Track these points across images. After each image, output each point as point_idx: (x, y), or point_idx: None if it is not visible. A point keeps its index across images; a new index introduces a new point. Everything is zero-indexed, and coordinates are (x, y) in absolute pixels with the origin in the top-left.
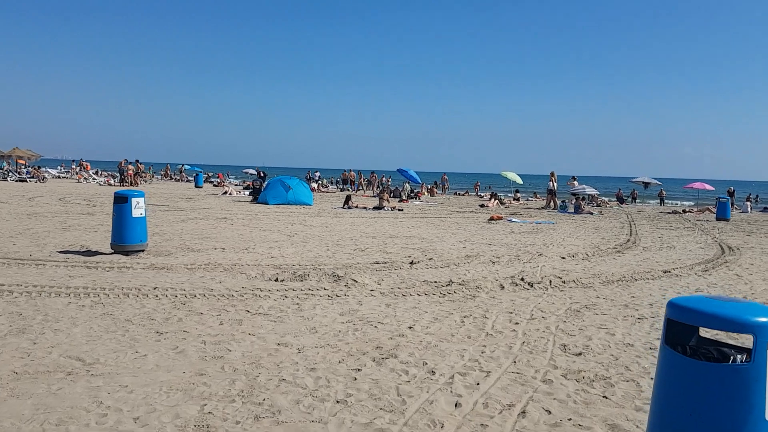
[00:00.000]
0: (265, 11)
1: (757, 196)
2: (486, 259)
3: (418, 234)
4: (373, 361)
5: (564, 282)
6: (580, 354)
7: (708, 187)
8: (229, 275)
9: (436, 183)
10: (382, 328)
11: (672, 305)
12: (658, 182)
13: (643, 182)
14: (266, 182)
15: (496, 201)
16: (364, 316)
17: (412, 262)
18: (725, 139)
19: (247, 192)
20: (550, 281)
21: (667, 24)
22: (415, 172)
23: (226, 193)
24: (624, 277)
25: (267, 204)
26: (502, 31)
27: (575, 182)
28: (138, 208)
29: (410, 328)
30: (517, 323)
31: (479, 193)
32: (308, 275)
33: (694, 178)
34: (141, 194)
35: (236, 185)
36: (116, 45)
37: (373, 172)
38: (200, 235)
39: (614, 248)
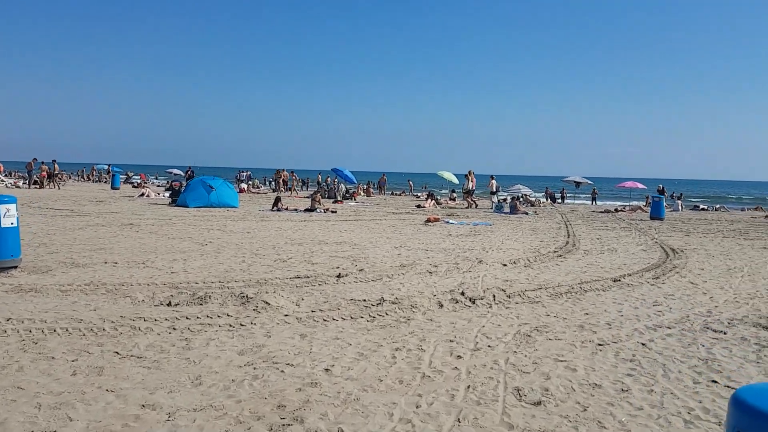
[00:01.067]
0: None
1: (681, 194)
2: (423, 269)
3: (350, 239)
4: (270, 431)
5: (509, 296)
6: (539, 403)
7: (639, 185)
8: (110, 299)
9: (370, 183)
10: (290, 373)
11: (743, 407)
12: (590, 181)
13: (575, 181)
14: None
15: (433, 201)
16: (270, 355)
17: (339, 275)
18: (647, 138)
19: (168, 194)
20: (494, 296)
21: (586, 23)
22: (351, 171)
23: (143, 195)
24: (572, 288)
25: (187, 207)
26: (432, 29)
27: (493, 181)
28: (8, 216)
29: (327, 370)
30: (459, 356)
31: (416, 194)
32: (210, 297)
33: (621, 177)
34: (12, 200)
35: (159, 186)
36: (41, 40)
37: (292, 171)
38: (94, 246)
39: (555, 252)
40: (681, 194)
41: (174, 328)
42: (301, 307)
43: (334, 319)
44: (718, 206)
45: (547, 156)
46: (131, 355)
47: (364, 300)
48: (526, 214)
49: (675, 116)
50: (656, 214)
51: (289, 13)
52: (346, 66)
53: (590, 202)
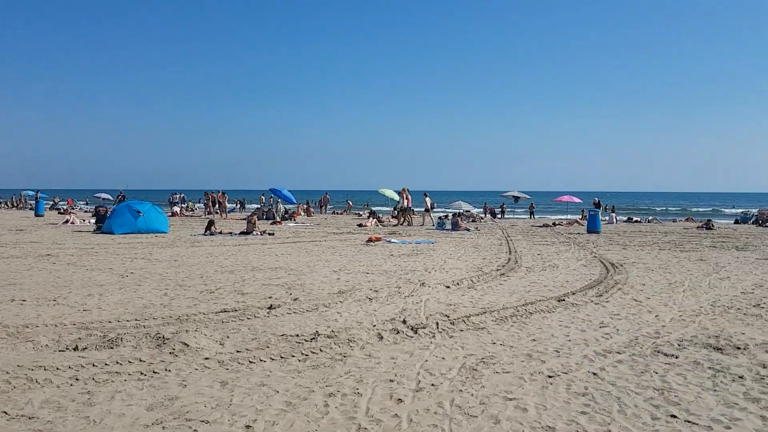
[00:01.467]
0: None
1: (613, 207)
2: (362, 295)
3: (286, 264)
4: None
5: (452, 323)
6: None
7: (576, 199)
8: (9, 345)
9: (309, 202)
10: None
11: None
12: (527, 196)
13: (514, 196)
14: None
15: (375, 220)
16: (183, 410)
17: (271, 307)
18: (580, 152)
19: (93, 220)
20: (437, 323)
21: (516, 36)
22: (289, 191)
23: (68, 222)
24: (517, 310)
25: (112, 234)
26: (375, 43)
27: (427, 198)
28: None
29: (249, 427)
30: (400, 400)
31: (357, 212)
32: (122, 339)
33: (556, 191)
34: None
35: (87, 212)
36: None
37: (222, 192)
38: (3, 281)
39: (498, 270)
40: (614, 207)
41: (76, 379)
42: (225, 346)
43: (261, 360)
44: (650, 218)
45: (485, 171)
46: (21, 416)
47: (297, 335)
48: (468, 230)
49: (605, 130)
50: (593, 228)
51: (222, 25)
52: (286, 81)
53: (529, 216)
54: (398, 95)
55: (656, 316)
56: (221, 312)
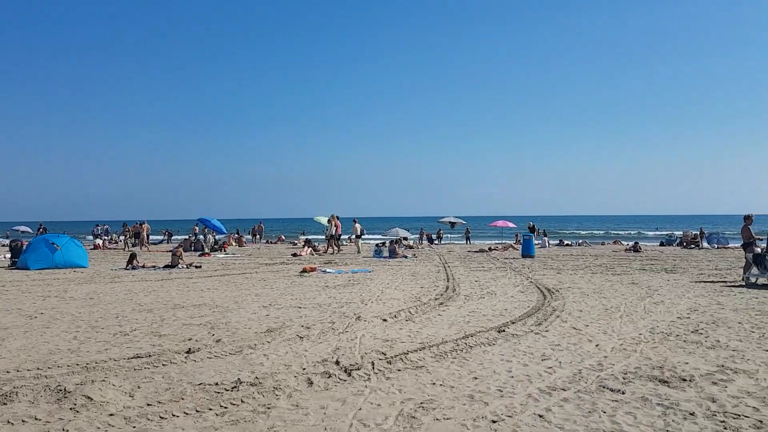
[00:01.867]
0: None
1: (545, 231)
2: (293, 333)
3: (211, 300)
4: None
5: (389, 361)
6: None
7: (510, 224)
8: None
9: (238, 231)
10: None
11: None
12: (463, 221)
13: (450, 222)
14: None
15: (310, 249)
16: None
17: (190, 350)
18: (509, 178)
19: (9, 255)
20: (373, 363)
21: (448, 64)
22: (219, 221)
23: None
24: (457, 344)
25: (27, 269)
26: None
27: (357, 225)
28: None
29: None
30: None
31: (293, 241)
32: (18, 393)
33: (490, 216)
34: None
35: (3, 245)
36: None
37: (142, 222)
38: None
39: (436, 299)
40: (545, 231)
41: None
42: (135, 398)
43: (173, 416)
44: (581, 241)
45: (420, 197)
46: None
47: (216, 384)
48: (405, 257)
49: (533, 155)
50: (527, 252)
51: (154, 57)
52: (224, 111)
53: (465, 242)
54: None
55: (597, 345)
56: (134, 358)
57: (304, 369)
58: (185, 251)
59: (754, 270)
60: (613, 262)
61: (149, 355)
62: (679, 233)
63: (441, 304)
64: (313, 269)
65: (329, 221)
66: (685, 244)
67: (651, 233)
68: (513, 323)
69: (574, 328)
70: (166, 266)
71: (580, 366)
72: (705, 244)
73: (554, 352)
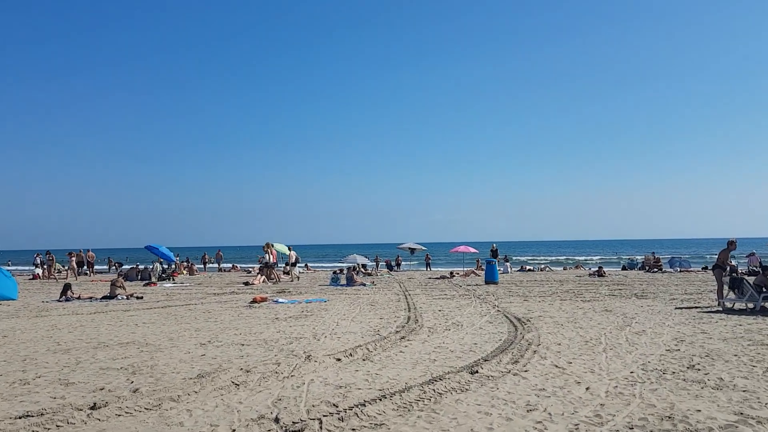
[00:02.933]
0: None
1: (506, 256)
2: (228, 379)
3: (143, 337)
4: None
5: (342, 418)
6: None
7: (471, 249)
8: None
9: (188, 259)
10: None
11: None
12: (423, 247)
13: (410, 248)
14: None
15: (263, 277)
16: None
17: (95, 406)
18: (467, 204)
19: None
20: (321, 421)
21: (397, 92)
22: (168, 248)
23: None
24: (424, 391)
25: None
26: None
27: (292, 253)
28: None
29: None
30: None
31: (247, 268)
32: None
33: (451, 242)
34: None
35: None
36: None
37: (88, 250)
38: None
39: (397, 332)
40: (506, 256)
41: None
42: None
43: None
44: (543, 267)
45: (379, 224)
46: None
47: None
48: (364, 285)
49: (492, 182)
50: (490, 278)
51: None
52: (180, 137)
53: (425, 268)
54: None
55: (588, 389)
56: (21, 417)
57: (234, 431)
58: (131, 281)
59: (731, 295)
60: (579, 287)
61: (42, 414)
62: (640, 257)
63: (403, 338)
64: (264, 299)
65: (264, 249)
66: (647, 268)
67: (607, 258)
68: (486, 361)
69: (557, 366)
70: (104, 297)
71: (576, 419)
72: (668, 268)
73: (540, 399)
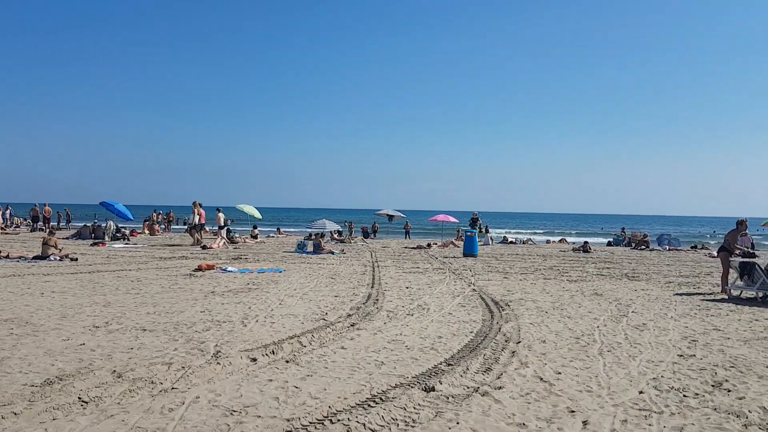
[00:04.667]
0: None
1: (487, 227)
2: (81, 390)
3: (32, 312)
4: None
5: None
6: None
7: (451, 219)
8: None
9: (157, 215)
10: None
11: None
12: (402, 215)
13: (388, 215)
14: None
15: (224, 240)
16: None
17: None
18: (459, 174)
19: None
20: None
21: (391, 58)
22: (125, 206)
23: None
24: (353, 416)
25: None
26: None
27: (220, 214)
28: None
29: None
30: None
31: (213, 230)
32: None
33: (438, 210)
34: None
35: None
36: None
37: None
38: None
39: (349, 316)
40: (487, 227)
41: None
42: None
43: None
44: (525, 239)
45: (358, 189)
46: None
47: None
48: (332, 253)
49: (478, 151)
50: (469, 251)
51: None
52: (134, 94)
53: (404, 237)
54: (280, 112)
55: (585, 423)
56: None
57: None
58: (84, 239)
59: (739, 281)
60: (563, 263)
61: None
62: (627, 233)
63: (353, 325)
64: (210, 267)
65: (193, 210)
66: (634, 244)
67: (589, 230)
68: (449, 367)
69: (541, 378)
70: (36, 257)
71: None
72: (656, 246)
73: None
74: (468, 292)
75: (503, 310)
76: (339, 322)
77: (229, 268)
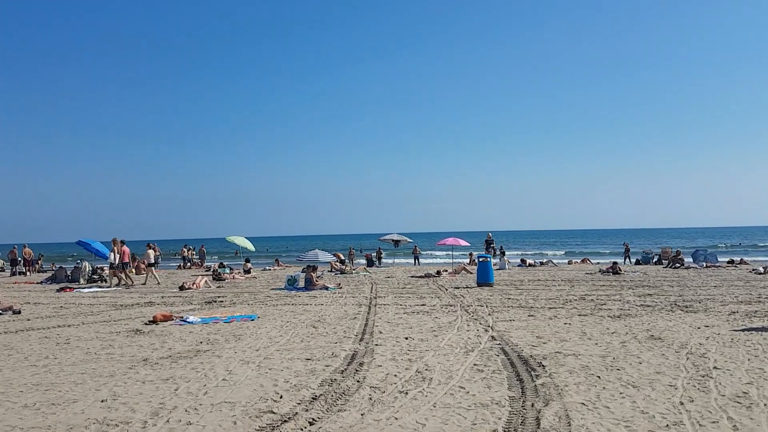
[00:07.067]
0: None
1: (502, 249)
2: None
3: None
4: None
5: None
6: None
7: (462, 242)
8: None
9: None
10: None
11: None
12: (409, 239)
13: (393, 240)
14: None
15: (205, 279)
16: None
17: None
18: (466, 194)
19: None
20: None
21: (390, 83)
22: (101, 243)
23: None
24: None
25: None
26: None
27: (150, 251)
28: None
29: None
30: None
31: (207, 266)
32: None
33: (445, 232)
34: None
35: None
36: None
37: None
38: None
39: (311, 402)
40: (502, 248)
41: None
42: None
43: None
44: (544, 260)
45: (367, 214)
46: None
47: None
48: (326, 288)
49: (488, 171)
50: (484, 280)
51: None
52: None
53: (413, 262)
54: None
55: None
56: None
57: None
58: (57, 282)
59: None
60: (596, 291)
61: None
62: (657, 250)
63: (311, 424)
64: (167, 317)
65: (113, 247)
66: (670, 263)
67: (602, 249)
68: None
69: None
70: None
71: None
72: (691, 263)
73: None
74: (485, 343)
75: (537, 376)
76: (292, 417)
77: (190, 318)
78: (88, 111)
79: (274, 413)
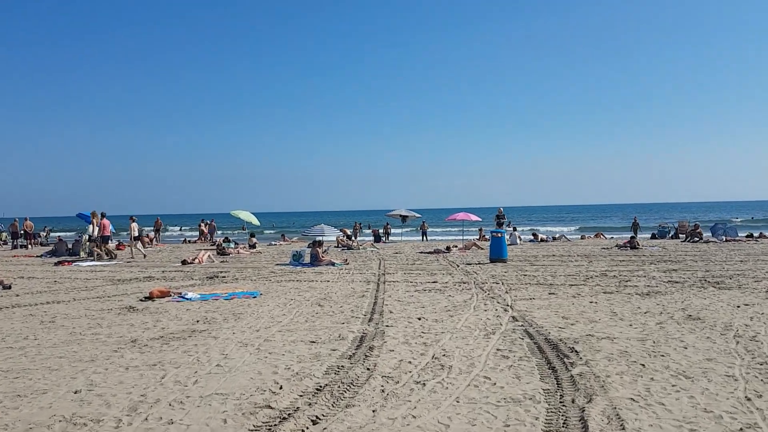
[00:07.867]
0: None
1: (510, 222)
2: None
3: None
4: None
5: None
6: None
7: (473, 217)
8: None
9: (156, 225)
10: None
11: None
12: (417, 214)
13: (401, 215)
14: None
15: (208, 253)
16: None
17: None
18: (471, 169)
19: None
20: None
21: (404, 57)
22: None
23: None
24: None
25: None
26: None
27: (134, 224)
28: None
29: None
30: None
31: (214, 239)
32: None
33: (453, 208)
34: None
35: None
36: None
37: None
38: None
39: (314, 394)
40: (510, 223)
41: None
42: None
43: None
44: (557, 235)
45: (368, 189)
46: None
47: None
48: (332, 264)
49: (498, 146)
50: (497, 255)
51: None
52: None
53: (421, 238)
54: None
55: None
56: None
57: None
58: (58, 255)
59: None
60: (617, 266)
61: None
62: (674, 223)
63: (314, 423)
64: (164, 293)
65: (92, 220)
66: (690, 237)
67: (613, 224)
68: None
69: None
70: None
71: None
72: (710, 237)
73: None
74: (507, 324)
75: (572, 364)
76: (292, 414)
77: (189, 295)
78: (101, 86)
79: (271, 408)
